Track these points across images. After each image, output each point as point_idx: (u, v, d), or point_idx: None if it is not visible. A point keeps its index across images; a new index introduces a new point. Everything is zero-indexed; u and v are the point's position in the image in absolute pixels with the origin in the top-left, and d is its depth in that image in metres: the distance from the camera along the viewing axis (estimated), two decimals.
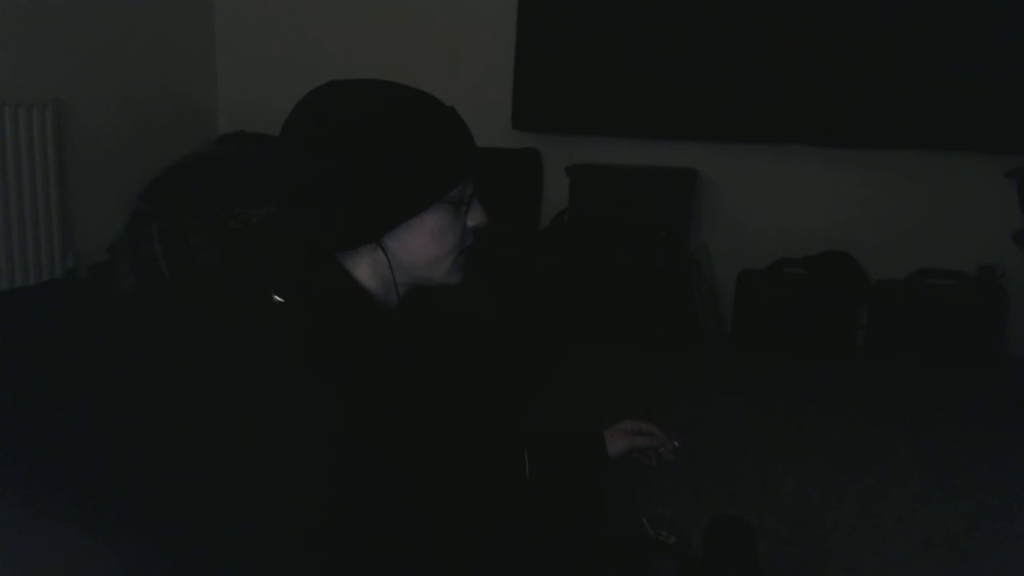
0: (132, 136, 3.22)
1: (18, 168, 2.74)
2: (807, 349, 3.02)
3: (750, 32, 3.14)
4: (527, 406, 2.11)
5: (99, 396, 2.04)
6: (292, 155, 0.97)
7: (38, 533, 1.63)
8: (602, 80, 3.29)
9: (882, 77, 3.05)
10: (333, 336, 0.95)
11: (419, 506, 0.97)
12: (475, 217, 1.02)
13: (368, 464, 0.93)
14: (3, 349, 2.32)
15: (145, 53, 3.31)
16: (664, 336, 3.04)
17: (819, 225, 3.20)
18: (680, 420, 2.20)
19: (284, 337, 0.94)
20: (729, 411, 2.45)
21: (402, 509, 0.96)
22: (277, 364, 0.93)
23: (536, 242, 3.27)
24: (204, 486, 1.03)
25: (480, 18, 3.43)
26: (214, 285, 2.65)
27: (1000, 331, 3.03)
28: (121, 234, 2.98)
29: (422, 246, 0.99)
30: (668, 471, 1.39)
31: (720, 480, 1.96)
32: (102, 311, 2.72)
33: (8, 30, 2.72)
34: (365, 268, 1.01)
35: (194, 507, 1.07)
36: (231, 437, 0.97)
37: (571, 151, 3.38)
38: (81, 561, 1.54)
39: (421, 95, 0.99)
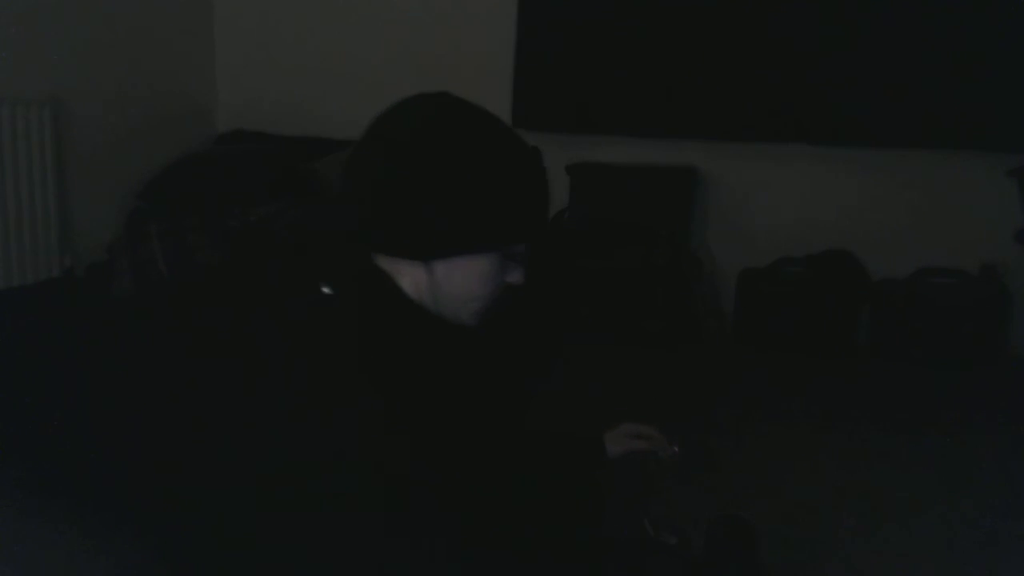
0: (130, 134, 3.22)
1: (15, 167, 2.73)
2: (808, 348, 3.01)
3: (752, 31, 3.13)
4: (528, 407, 2.10)
5: (98, 396, 2.03)
6: (388, 154, 0.97)
7: (37, 534, 1.62)
8: (602, 78, 3.28)
9: (884, 76, 3.04)
10: (385, 333, 0.96)
11: (446, 505, 0.97)
12: (515, 276, 1.03)
13: (406, 464, 0.92)
14: (1, 349, 2.32)
15: (144, 51, 3.31)
16: (664, 336, 3.03)
17: (820, 224, 3.20)
18: (680, 420, 2.19)
19: (332, 332, 0.95)
20: (729, 411, 2.44)
21: (430, 508, 0.95)
22: (323, 358, 0.93)
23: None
24: (212, 485, 1.03)
25: (480, 16, 3.43)
26: (218, 283, 2.64)
27: (1002, 330, 3.02)
28: (119, 233, 2.97)
29: (464, 282, 1.00)
30: (669, 473, 1.38)
31: (720, 480, 1.96)
32: (101, 310, 2.71)
33: (6, 28, 2.72)
34: (405, 280, 1.01)
35: (196, 508, 1.07)
36: (268, 432, 0.96)
37: (571, 150, 3.37)
38: (80, 562, 1.54)
39: (526, 146, 1.00)
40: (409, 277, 1.00)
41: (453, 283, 0.99)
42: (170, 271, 2.72)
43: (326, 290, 0.96)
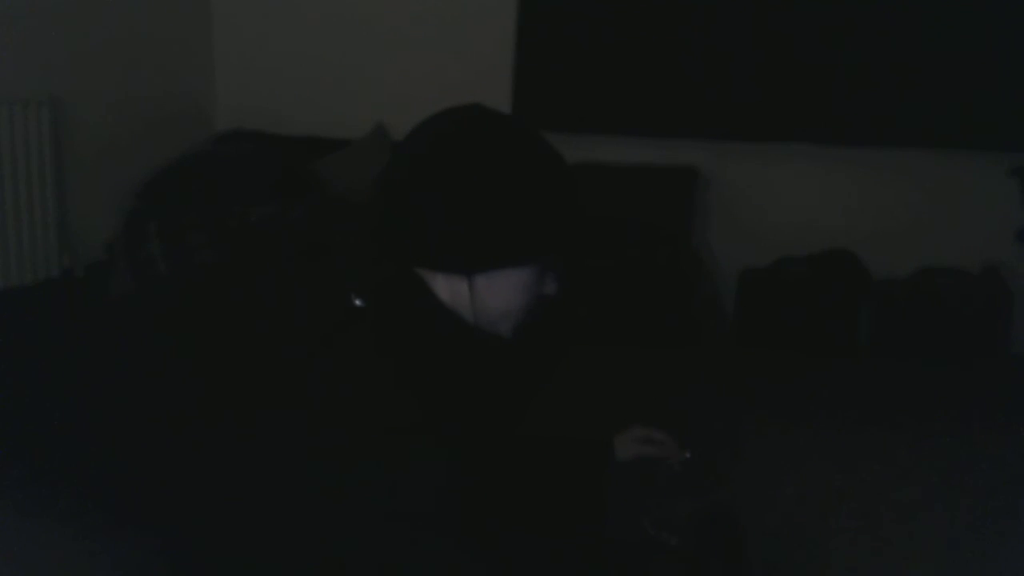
0: (129, 134, 3.21)
1: (14, 166, 2.73)
2: (809, 348, 3.01)
3: (752, 30, 3.13)
4: (529, 407, 2.10)
5: (97, 396, 2.03)
6: (429, 168, 0.97)
7: (37, 534, 1.62)
8: (603, 78, 3.28)
9: (885, 75, 3.04)
10: (419, 343, 0.96)
11: (456, 505, 0.97)
12: (551, 287, 1.04)
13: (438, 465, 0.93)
14: (1, 349, 2.32)
15: (142, 50, 3.30)
16: (665, 335, 3.03)
17: (821, 223, 3.19)
18: (681, 421, 2.19)
19: (366, 340, 0.95)
20: (730, 411, 2.44)
21: (439, 507, 0.95)
22: (357, 366, 0.93)
23: None
24: (216, 485, 1.03)
25: (480, 16, 3.42)
26: (219, 284, 2.64)
27: (1003, 330, 3.01)
28: (119, 233, 2.97)
29: (504, 294, 1.00)
30: (678, 479, 1.38)
31: (720, 480, 1.95)
32: (100, 310, 2.71)
33: (5, 28, 2.71)
34: (444, 291, 1.01)
35: (198, 508, 1.07)
36: (286, 432, 0.96)
37: (572, 149, 3.35)
38: (80, 562, 1.54)
39: (560, 156, 1.03)
40: (447, 290, 1.00)
41: (494, 295, 1.00)
42: (169, 271, 2.72)
43: (358, 302, 0.96)
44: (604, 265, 3.09)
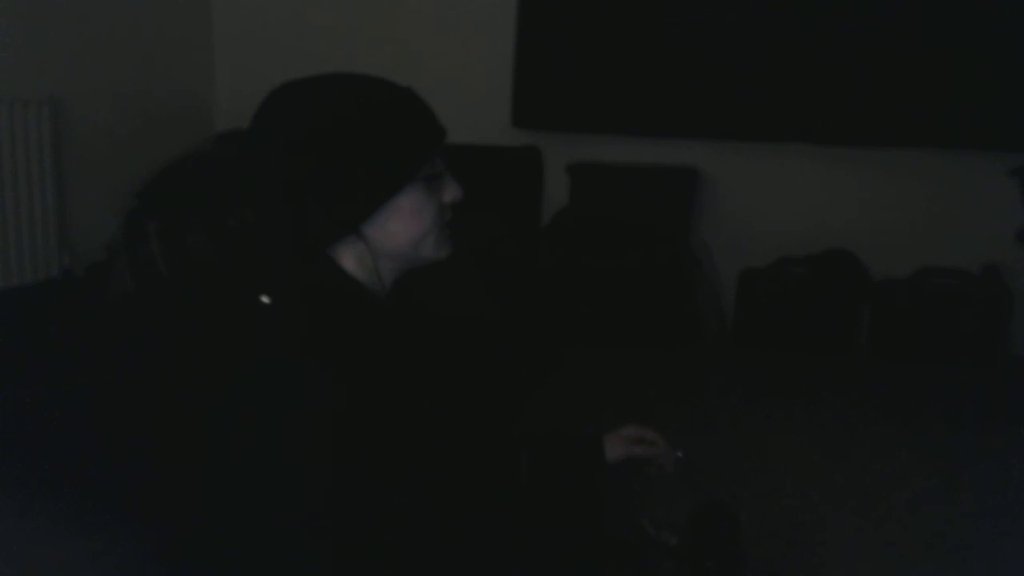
0: (129, 134, 3.21)
1: (14, 166, 2.73)
2: (809, 348, 3.01)
3: (752, 30, 3.13)
4: (526, 406, 2.10)
5: (97, 396, 2.03)
6: (260, 158, 1.00)
7: (36, 533, 1.62)
8: (603, 78, 3.28)
9: (885, 75, 3.03)
10: (328, 331, 0.95)
11: (413, 502, 0.97)
12: (450, 192, 1.02)
13: (364, 459, 0.93)
14: (1, 349, 2.32)
15: (143, 50, 3.31)
16: (665, 336, 3.03)
17: (821, 224, 3.19)
18: (681, 421, 2.19)
19: (275, 337, 0.95)
20: (730, 411, 2.44)
21: (397, 505, 0.95)
22: (271, 364, 0.93)
23: (536, 241, 3.26)
24: (201, 487, 1.03)
25: (480, 15, 3.42)
26: (212, 285, 2.64)
27: (1003, 330, 3.01)
28: (118, 233, 2.97)
29: (402, 228, 0.99)
30: (669, 480, 1.37)
31: (721, 480, 1.95)
32: (100, 310, 2.71)
33: (4, 26, 2.71)
34: (350, 260, 1.01)
35: (191, 507, 1.07)
36: (227, 438, 0.97)
37: (572, 149, 3.37)
38: (79, 561, 1.54)
39: (375, 81, 1.01)
40: (352, 257, 1.00)
41: (393, 234, 0.99)
42: (169, 271, 2.72)
43: (264, 299, 0.96)
44: (604, 265, 3.10)
